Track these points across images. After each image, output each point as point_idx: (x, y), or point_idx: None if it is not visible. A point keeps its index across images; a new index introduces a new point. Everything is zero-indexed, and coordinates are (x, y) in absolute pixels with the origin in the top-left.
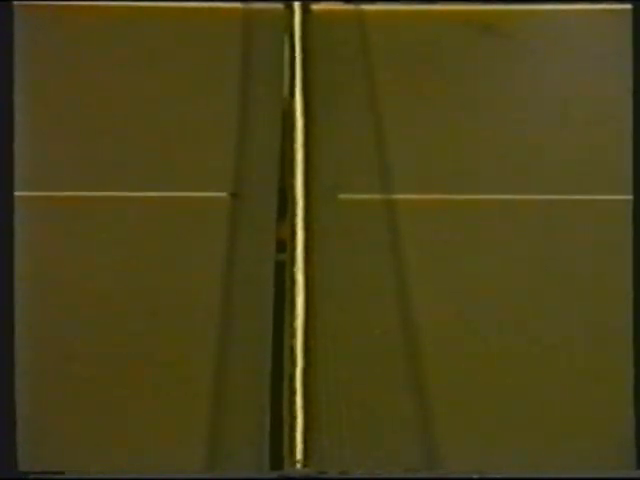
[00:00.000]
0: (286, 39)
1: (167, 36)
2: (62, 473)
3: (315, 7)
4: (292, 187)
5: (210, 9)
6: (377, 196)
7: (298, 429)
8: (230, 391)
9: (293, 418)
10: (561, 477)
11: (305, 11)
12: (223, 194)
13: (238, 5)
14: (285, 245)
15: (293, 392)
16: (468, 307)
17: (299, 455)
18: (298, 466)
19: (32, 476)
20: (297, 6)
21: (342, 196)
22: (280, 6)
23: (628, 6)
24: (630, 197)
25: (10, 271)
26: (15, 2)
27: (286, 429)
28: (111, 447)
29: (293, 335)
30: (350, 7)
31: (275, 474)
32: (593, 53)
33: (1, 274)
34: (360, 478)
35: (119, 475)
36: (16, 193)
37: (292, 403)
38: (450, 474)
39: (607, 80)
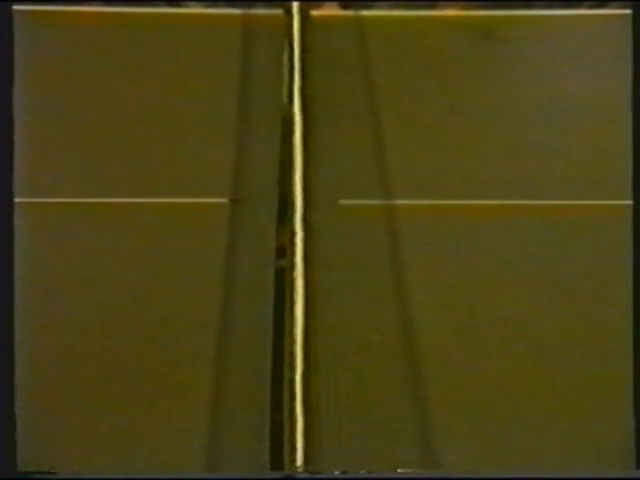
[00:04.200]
0: (285, 45)
1: (167, 42)
2: (60, 473)
3: (314, 13)
4: (292, 193)
5: (210, 15)
6: (377, 202)
7: (298, 433)
8: (230, 396)
9: (293, 423)
10: (561, 477)
11: (304, 17)
12: (223, 200)
13: (237, 11)
14: (285, 251)
15: (293, 397)
16: (467, 312)
17: (299, 459)
18: (299, 470)
19: (31, 476)
20: (296, 12)
21: (342, 202)
22: (279, 12)
23: (628, 11)
24: (630, 202)
25: (10, 277)
26: (15, 8)
27: (286, 433)
28: (112, 448)
29: (293, 340)
30: (349, 13)
31: (275, 474)
32: (593, 58)
33: (1, 280)
34: (360, 478)
35: (119, 475)
36: (16, 199)
37: (292, 408)
38: (450, 474)
39: (607, 85)
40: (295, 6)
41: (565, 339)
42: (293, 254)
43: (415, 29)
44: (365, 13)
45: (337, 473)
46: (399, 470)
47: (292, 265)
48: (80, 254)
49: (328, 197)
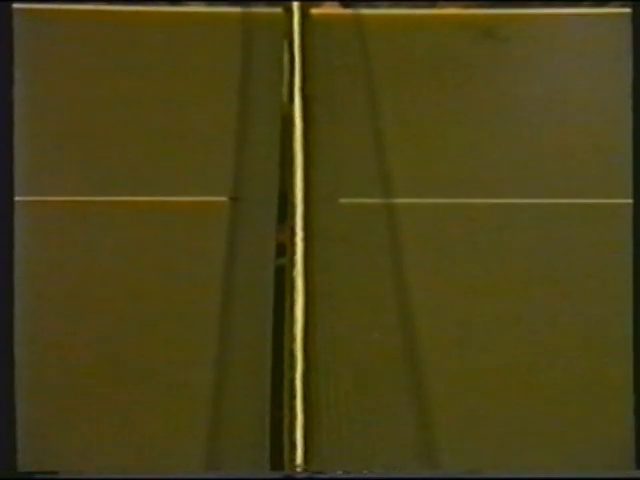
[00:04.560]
0: (285, 44)
1: (167, 41)
2: (61, 473)
3: (314, 12)
4: (292, 192)
5: (210, 14)
6: (377, 200)
7: (298, 432)
8: (230, 395)
9: (293, 422)
10: (561, 477)
11: (304, 16)
12: (223, 198)
13: (238, 10)
14: (285, 249)
15: (293, 396)
16: (467, 311)
17: (299, 458)
18: (298, 469)
19: (31, 476)
20: (296, 11)
21: (342, 200)
22: (279, 11)
23: (628, 10)
24: (630, 201)
25: (10, 275)
26: (15, 6)
27: (286, 432)
28: (112, 447)
29: (293, 339)
30: (349, 12)
31: (275, 474)
32: (593, 57)
33: (1, 278)
34: (360, 478)
35: (118, 475)
36: (16, 198)
37: (292, 407)
38: (450, 474)
39: (607, 84)
40: (295, 5)
41: (565, 338)
42: (293, 253)
43: (415, 28)
44: (365, 12)
45: (339, 473)
46: (399, 470)
47: (292, 264)
48: (80, 253)
49: (328, 196)
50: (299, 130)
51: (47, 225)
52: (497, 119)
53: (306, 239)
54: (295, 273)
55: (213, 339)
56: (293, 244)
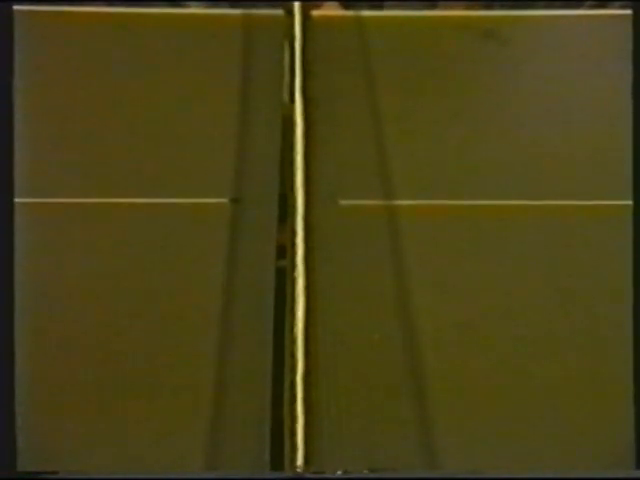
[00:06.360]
0: (286, 45)
1: (167, 43)
2: (60, 473)
3: (315, 14)
4: (292, 193)
5: (211, 16)
6: (378, 202)
7: (299, 435)
8: (230, 396)
9: (294, 424)
10: (561, 477)
11: (305, 17)
12: (223, 200)
13: (238, 12)
14: (285, 251)
15: (294, 397)
16: (468, 313)
17: (300, 461)
18: (298, 470)
19: (31, 476)
20: (297, 13)
21: (343, 202)
22: (280, 12)
23: (628, 12)
24: (630, 202)
25: (10, 277)
26: (15, 8)
27: (287, 435)
28: (111, 447)
29: (294, 341)
30: (350, 13)
31: (275, 475)
32: (594, 58)
33: (1, 280)
34: (360, 478)
35: (118, 475)
36: (16, 200)
37: (293, 409)
38: (450, 474)
39: (607, 85)
40: (296, 6)
41: (565, 339)
42: (293, 254)
43: (416, 29)
44: (366, 13)
45: (339, 473)
46: (399, 470)
47: (293, 265)
48: (80, 254)
49: (329, 197)
50: (300, 131)
51: (47, 227)
52: (498, 120)
53: (307, 240)
54: (296, 274)
55: (214, 340)
56: (294, 245)
